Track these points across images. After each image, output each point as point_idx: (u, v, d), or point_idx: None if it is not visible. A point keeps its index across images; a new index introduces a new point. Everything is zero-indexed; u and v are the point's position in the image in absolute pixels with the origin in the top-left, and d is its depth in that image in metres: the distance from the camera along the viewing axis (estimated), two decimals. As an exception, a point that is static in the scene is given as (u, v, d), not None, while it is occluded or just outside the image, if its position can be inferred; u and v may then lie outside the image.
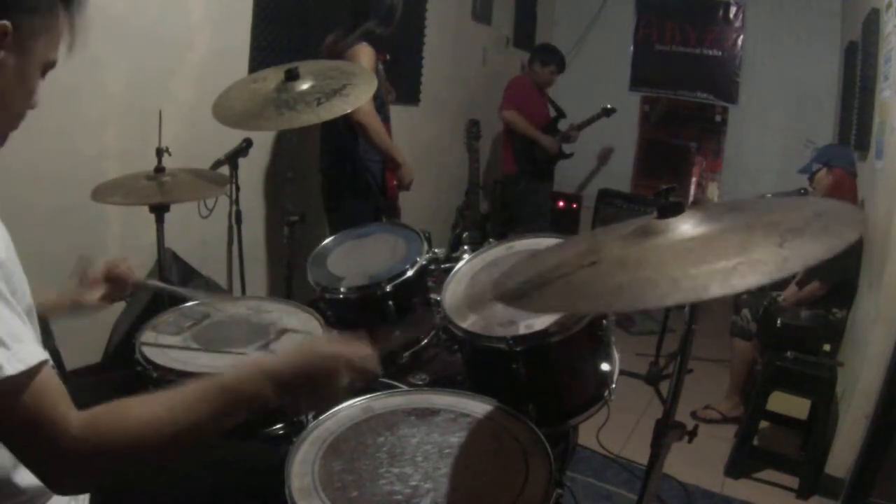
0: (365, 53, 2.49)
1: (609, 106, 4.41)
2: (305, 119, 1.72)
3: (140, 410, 0.78)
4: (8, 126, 0.84)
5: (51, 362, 0.75)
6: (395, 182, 2.75)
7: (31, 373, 0.71)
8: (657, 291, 0.81)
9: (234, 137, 2.48)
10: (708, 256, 0.84)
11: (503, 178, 4.52)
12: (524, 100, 4.26)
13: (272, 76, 1.90)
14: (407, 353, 1.77)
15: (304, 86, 1.84)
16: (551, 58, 4.31)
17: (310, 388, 0.90)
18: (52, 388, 0.73)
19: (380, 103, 2.61)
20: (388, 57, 2.79)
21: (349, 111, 1.81)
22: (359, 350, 0.96)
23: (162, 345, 1.41)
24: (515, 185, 4.37)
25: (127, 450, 0.76)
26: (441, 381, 1.77)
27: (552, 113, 4.46)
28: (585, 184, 5.38)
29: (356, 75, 1.91)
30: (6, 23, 0.75)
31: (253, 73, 2.68)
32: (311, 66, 1.93)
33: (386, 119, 2.73)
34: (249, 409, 0.84)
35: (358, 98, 1.80)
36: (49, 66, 0.84)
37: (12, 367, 0.69)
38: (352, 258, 1.92)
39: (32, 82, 0.83)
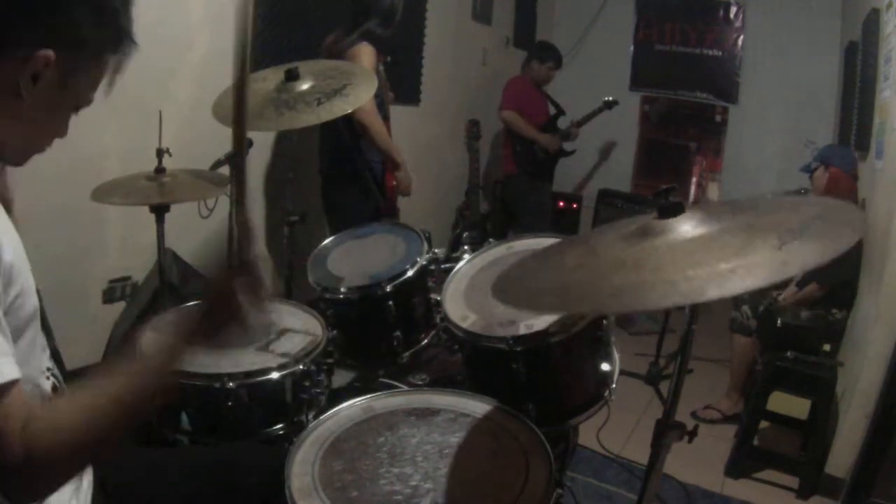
0: (366, 53, 2.49)
1: (610, 98, 4.38)
2: (305, 119, 1.72)
3: (69, 409, 0.78)
4: (33, 151, 0.85)
5: (23, 378, 0.74)
6: (394, 182, 2.76)
7: (5, 387, 0.71)
8: (654, 293, 0.82)
9: (234, 137, 2.48)
10: (706, 258, 0.84)
11: (503, 178, 4.52)
12: (523, 99, 4.26)
13: (272, 76, 1.90)
14: (407, 353, 1.78)
15: (304, 86, 1.84)
16: (549, 54, 4.31)
17: (212, 319, 0.88)
18: (16, 407, 0.72)
19: (379, 102, 2.61)
20: (388, 59, 2.79)
21: (349, 111, 1.80)
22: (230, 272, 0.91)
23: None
24: (515, 185, 4.37)
25: (66, 450, 0.76)
26: (441, 381, 1.77)
27: (551, 111, 4.46)
28: (585, 184, 5.38)
29: (356, 75, 1.91)
30: (50, 53, 0.75)
31: (253, 73, 2.68)
32: (311, 67, 1.93)
33: (385, 119, 2.73)
34: (171, 370, 0.85)
35: (358, 98, 1.80)
36: (84, 104, 0.85)
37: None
38: (352, 258, 1.92)
39: (63, 119, 0.84)
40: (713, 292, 0.76)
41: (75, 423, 0.76)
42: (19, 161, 0.86)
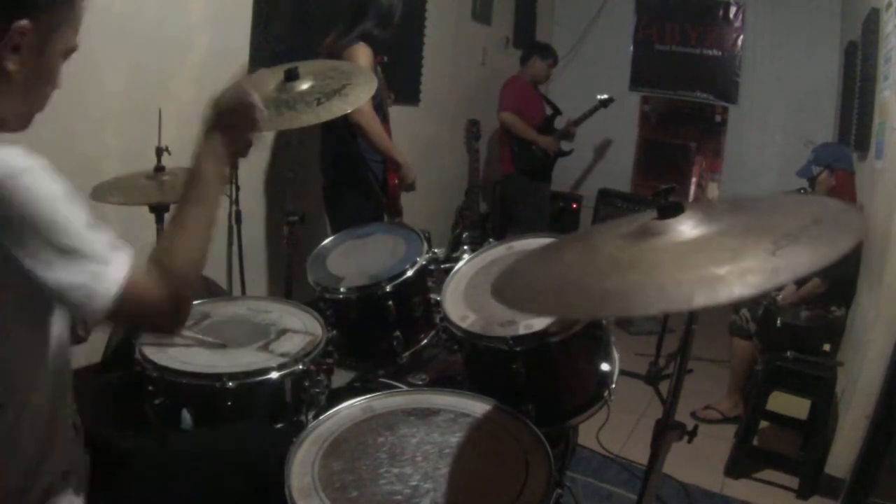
0: (363, 53, 2.49)
1: (606, 96, 4.37)
2: (305, 119, 1.71)
3: (175, 244, 0.93)
4: (33, 111, 0.89)
5: None
6: (396, 181, 2.75)
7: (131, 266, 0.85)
8: (643, 299, 0.81)
9: (234, 137, 2.47)
10: (700, 261, 0.83)
11: (502, 179, 4.52)
12: (522, 100, 4.26)
13: (271, 76, 1.90)
14: (407, 353, 1.77)
15: (304, 86, 1.83)
16: (549, 51, 4.33)
17: (237, 124, 1.07)
18: (140, 275, 0.86)
19: (377, 103, 2.61)
20: (385, 59, 2.79)
21: (349, 111, 1.80)
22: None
23: (162, 344, 1.41)
24: (514, 186, 4.37)
25: (197, 260, 0.94)
26: (441, 381, 1.77)
27: (548, 111, 4.46)
28: (585, 184, 5.37)
29: (355, 75, 1.90)
30: (25, 23, 0.79)
31: (252, 73, 2.67)
32: (311, 67, 1.92)
33: (385, 119, 2.73)
34: (227, 163, 1.04)
35: (358, 98, 1.80)
36: (71, 51, 0.89)
37: (124, 265, 0.83)
38: (352, 258, 1.92)
39: (55, 71, 0.88)
40: (700, 299, 0.76)
41: (190, 245, 0.93)
42: (23, 126, 0.89)
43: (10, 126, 0.86)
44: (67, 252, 0.79)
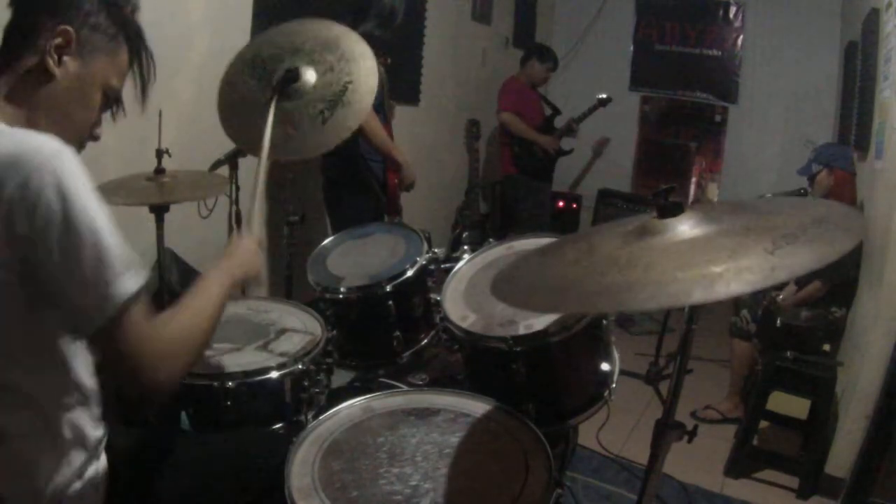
0: None
1: (604, 95, 4.36)
2: (314, 144, 1.61)
3: (180, 316, 0.93)
4: (67, 140, 0.85)
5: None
6: (396, 181, 2.75)
7: (140, 292, 0.83)
8: (641, 294, 0.82)
9: (234, 137, 2.48)
10: (698, 259, 0.84)
11: (503, 179, 4.52)
12: (520, 101, 4.27)
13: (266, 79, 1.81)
14: (407, 353, 1.77)
15: (306, 87, 1.76)
16: (549, 55, 4.33)
17: (248, 264, 1.16)
18: (143, 311, 0.85)
19: (378, 103, 2.61)
20: (388, 60, 2.79)
21: (358, 124, 1.70)
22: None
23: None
24: (515, 186, 4.37)
25: (194, 338, 0.93)
26: (441, 381, 1.77)
27: (546, 111, 4.46)
28: (585, 184, 5.37)
29: (354, 60, 1.78)
30: (70, 28, 0.86)
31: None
32: (309, 53, 1.79)
33: (386, 120, 2.73)
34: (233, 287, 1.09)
35: (362, 99, 1.73)
36: (111, 92, 0.94)
37: (136, 284, 0.82)
38: (352, 258, 1.92)
39: (92, 98, 0.91)
40: (697, 296, 0.77)
41: (191, 324, 0.93)
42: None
43: None
44: (86, 247, 0.77)
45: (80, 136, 0.92)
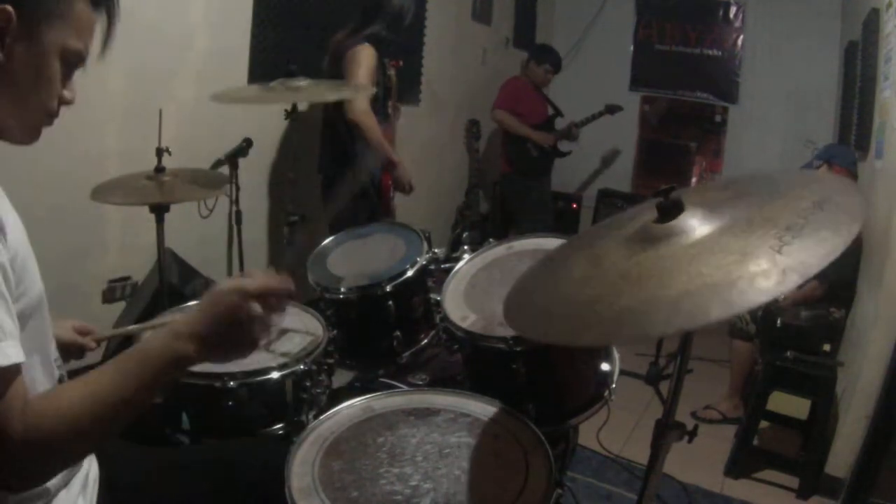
0: (366, 55, 2.49)
1: (614, 104, 4.40)
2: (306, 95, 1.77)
3: (69, 395, 0.78)
4: (33, 119, 0.83)
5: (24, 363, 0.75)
6: (390, 182, 2.76)
7: (9, 370, 0.71)
8: (659, 317, 0.81)
9: (234, 137, 2.48)
10: (708, 268, 0.83)
11: (500, 178, 4.53)
12: (518, 99, 4.26)
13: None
14: (407, 353, 1.77)
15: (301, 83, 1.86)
16: (546, 56, 4.31)
17: (224, 329, 0.86)
18: (15, 390, 0.73)
19: (381, 104, 2.61)
20: (400, 63, 2.79)
21: (334, 98, 1.86)
22: (259, 278, 0.91)
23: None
24: (512, 185, 4.38)
25: (68, 435, 0.76)
26: (441, 381, 1.77)
27: (549, 111, 4.46)
28: (585, 184, 5.38)
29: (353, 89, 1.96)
30: (7, 7, 0.74)
31: (252, 73, 2.68)
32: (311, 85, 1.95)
33: (386, 120, 2.74)
34: (176, 371, 0.84)
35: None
36: (72, 55, 0.82)
37: (14, 362, 0.70)
38: (352, 258, 1.92)
39: (48, 71, 0.81)
40: (717, 312, 0.75)
41: (77, 410, 0.76)
42: (29, 136, 0.84)
43: (12, 134, 0.82)
44: None
45: (47, 110, 0.84)
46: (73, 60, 0.83)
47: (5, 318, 0.72)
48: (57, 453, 0.77)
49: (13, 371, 0.72)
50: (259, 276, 0.91)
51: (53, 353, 0.91)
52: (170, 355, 0.83)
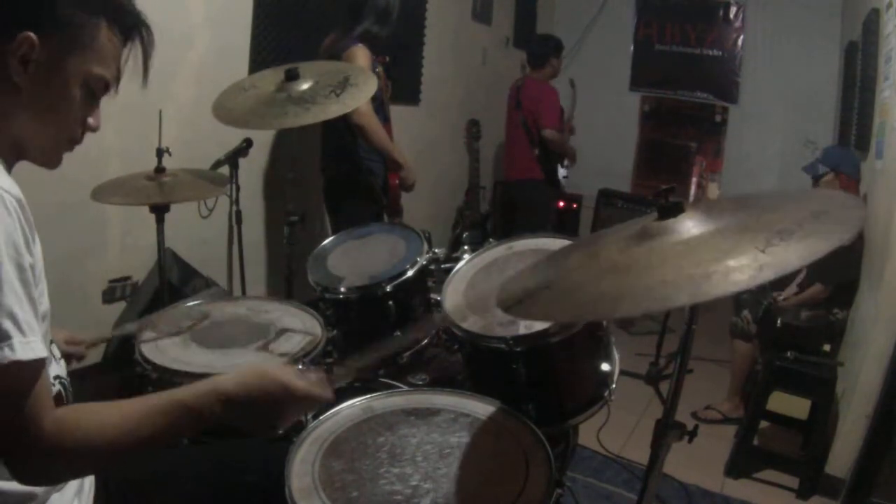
0: (361, 55, 2.49)
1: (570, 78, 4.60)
2: (295, 121, 1.73)
3: (104, 417, 0.80)
4: (55, 143, 0.84)
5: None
6: (397, 182, 2.75)
7: (35, 364, 0.73)
8: (629, 301, 0.84)
9: (234, 137, 2.48)
10: (690, 262, 0.85)
11: (523, 182, 4.29)
12: (558, 111, 4.20)
13: (271, 76, 1.91)
14: (407, 353, 1.77)
15: (304, 86, 1.84)
16: (560, 47, 4.21)
17: (255, 410, 0.90)
18: (43, 385, 0.75)
19: (378, 105, 2.61)
20: (387, 59, 2.78)
21: (343, 112, 1.82)
22: (313, 385, 0.95)
23: (162, 345, 1.41)
24: (534, 190, 4.22)
25: (88, 452, 0.78)
26: (441, 381, 1.77)
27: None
28: (585, 184, 5.37)
29: (355, 75, 1.91)
30: (31, 34, 0.76)
31: (252, 73, 2.68)
32: (311, 68, 1.93)
33: (386, 120, 2.73)
34: (200, 425, 0.87)
35: (355, 100, 1.81)
36: (96, 82, 0.84)
37: (24, 354, 0.71)
38: (352, 258, 1.92)
39: (70, 97, 0.82)
40: (684, 298, 0.80)
41: (102, 433, 0.79)
42: (51, 160, 0.86)
43: (35, 157, 0.83)
44: None
45: (69, 136, 0.86)
46: (97, 87, 0.85)
47: (31, 316, 0.74)
48: (74, 464, 0.80)
49: (41, 364, 0.74)
50: (312, 378, 0.96)
51: (55, 370, 0.91)
52: (206, 411, 0.86)
